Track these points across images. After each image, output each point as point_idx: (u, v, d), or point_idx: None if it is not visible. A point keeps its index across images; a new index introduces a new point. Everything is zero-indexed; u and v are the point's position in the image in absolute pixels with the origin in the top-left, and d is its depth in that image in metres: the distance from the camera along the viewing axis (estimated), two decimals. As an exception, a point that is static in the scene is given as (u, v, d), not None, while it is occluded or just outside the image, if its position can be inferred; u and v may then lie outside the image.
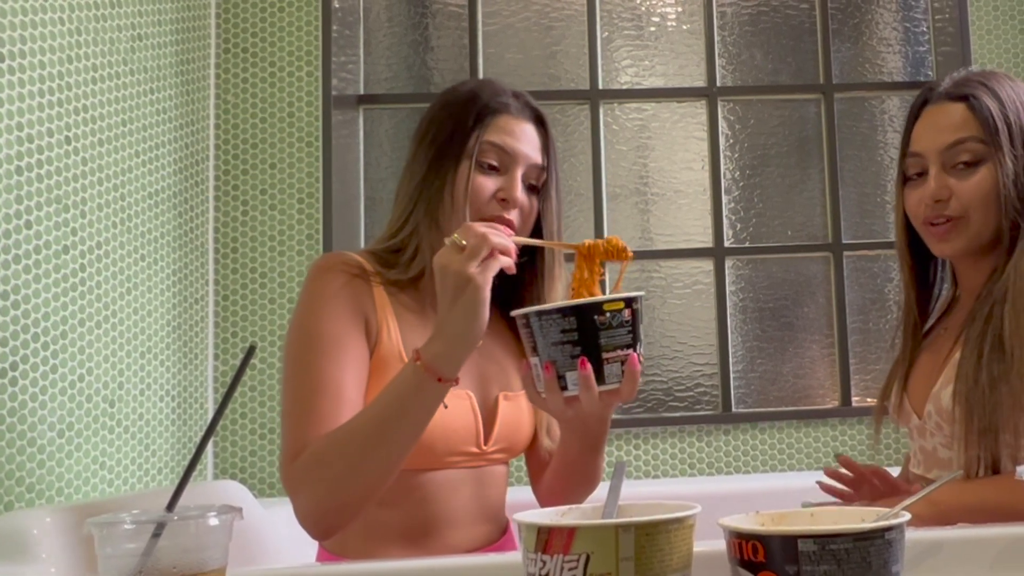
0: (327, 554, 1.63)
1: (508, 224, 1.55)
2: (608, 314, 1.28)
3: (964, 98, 1.62)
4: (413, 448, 1.44)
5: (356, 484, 1.43)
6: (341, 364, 1.52)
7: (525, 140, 1.62)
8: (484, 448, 1.62)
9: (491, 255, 1.33)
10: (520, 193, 1.59)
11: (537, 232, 1.66)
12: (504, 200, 1.58)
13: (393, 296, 1.61)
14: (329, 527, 1.48)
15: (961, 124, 1.61)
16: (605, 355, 1.29)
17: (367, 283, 1.60)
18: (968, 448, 1.51)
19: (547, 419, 1.75)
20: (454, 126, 1.62)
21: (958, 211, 1.59)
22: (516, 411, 1.68)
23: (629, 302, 1.30)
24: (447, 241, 1.36)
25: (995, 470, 1.50)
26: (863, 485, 1.68)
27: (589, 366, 1.28)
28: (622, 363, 1.30)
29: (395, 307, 1.60)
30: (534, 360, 1.34)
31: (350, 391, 1.51)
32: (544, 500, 1.76)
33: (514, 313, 1.36)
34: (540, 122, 1.67)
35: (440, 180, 1.60)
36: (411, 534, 1.58)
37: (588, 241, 1.46)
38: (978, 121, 1.59)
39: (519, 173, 1.60)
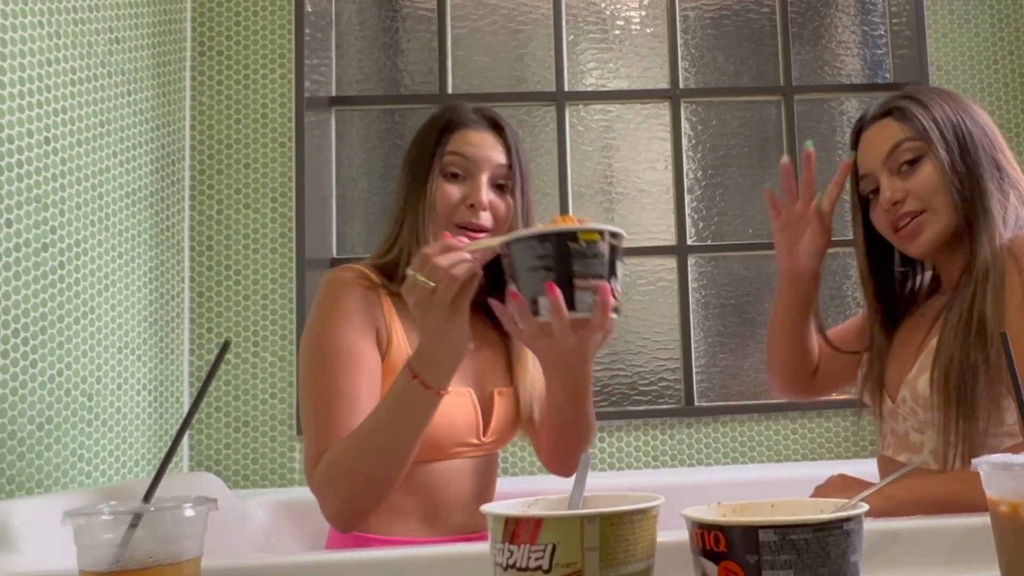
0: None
1: (482, 230, 1.65)
2: (584, 243, 1.27)
3: (888, 112, 1.70)
4: (418, 445, 1.54)
5: (374, 484, 1.54)
6: (355, 375, 1.62)
7: (484, 146, 1.72)
8: (483, 439, 1.73)
9: (462, 282, 1.37)
10: (486, 195, 1.69)
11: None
12: (472, 205, 1.67)
13: (398, 305, 1.70)
14: (353, 522, 1.61)
15: (892, 133, 1.68)
16: (577, 282, 1.28)
17: (376, 293, 1.69)
18: (947, 435, 1.53)
19: (535, 392, 1.81)
20: (423, 148, 1.74)
21: (917, 205, 1.64)
22: (508, 405, 1.78)
23: (606, 235, 1.30)
24: (410, 275, 1.39)
25: (972, 457, 1.48)
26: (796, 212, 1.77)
27: (557, 290, 1.28)
28: (594, 292, 1.30)
29: (400, 315, 1.70)
30: (512, 288, 1.34)
31: (363, 401, 1.60)
32: (549, 462, 1.83)
33: (498, 240, 1.38)
34: (499, 128, 1.76)
35: (416, 198, 1.70)
36: (425, 517, 1.69)
37: (540, 225, 1.41)
38: (907, 125, 1.66)
39: (483, 178, 1.69)
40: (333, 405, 1.60)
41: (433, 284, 1.37)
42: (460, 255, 1.38)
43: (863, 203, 1.76)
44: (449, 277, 1.36)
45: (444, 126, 1.74)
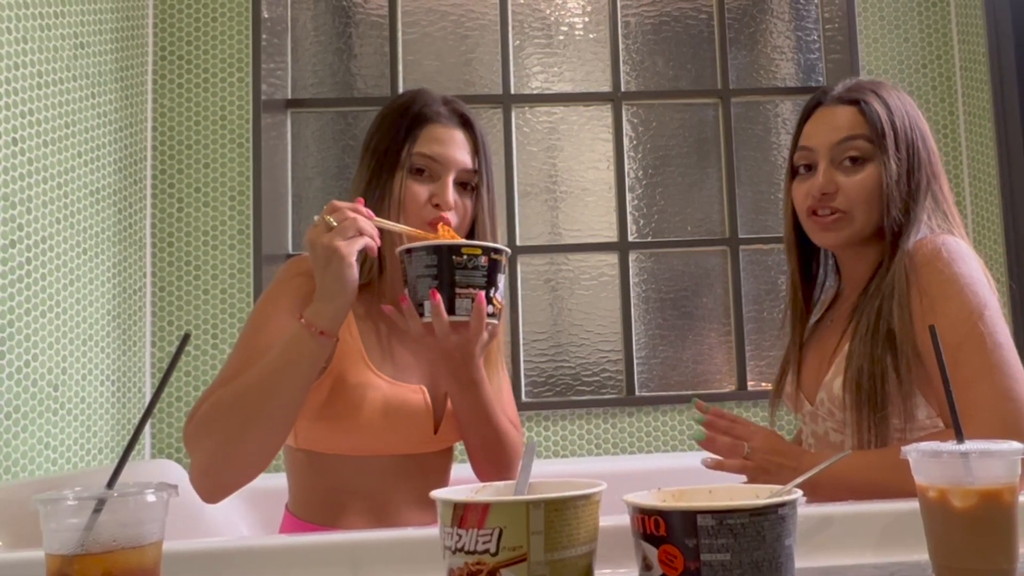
0: (295, 520, 1.68)
1: (445, 221, 1.64)
2: (465, 256, 1.43)
3: (855, 102, 1.67)
4: (301, 403, 1.50)
5: (247, 436, 1.46)
6: (268, 339, 1.55)
7: (454, 146, 1.68)
8: (434, 437, 1.69)
9: (357, 235, 1.44)
10: (451, 196, 1.65)
11: (471, 231, 1.72)
12: (437, 205, 1.64)
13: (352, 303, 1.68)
14: (218, 485, 1.50)
15: (851, 124, 1.65)
16: (458, 290, 1.44)
17: None
18: (860, 434, 1.54)
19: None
20: (390, 139, 1.69)
21: (844, 205, 1.63)
22: None
23: (487, 251, 1.45)
24: (315, 219, 1.46)
25: None
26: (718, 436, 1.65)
27: (439, 296, 1.42)
28: (473, 300, 1.44)
29: (354, 311, 1.67)
30: (406, 291, 1.48)
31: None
32: (478, 475, 1.76)
33: (397, 250, 1.51)
34: (469, 126, 1.72)
35: (380, 190, 1.66)
36: (374, 512, 1.64)
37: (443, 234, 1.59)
38: (867, 123, 1.64)
39: (450, 179, 1.65)
40: (233, 361, 1.56)
41: (334, 223, 1.44)
42: (367, 213, 1.48)
43: (794, 172, 1.74)
44: (351, 220, 1.44)
45: (412, 121, 1.69)
